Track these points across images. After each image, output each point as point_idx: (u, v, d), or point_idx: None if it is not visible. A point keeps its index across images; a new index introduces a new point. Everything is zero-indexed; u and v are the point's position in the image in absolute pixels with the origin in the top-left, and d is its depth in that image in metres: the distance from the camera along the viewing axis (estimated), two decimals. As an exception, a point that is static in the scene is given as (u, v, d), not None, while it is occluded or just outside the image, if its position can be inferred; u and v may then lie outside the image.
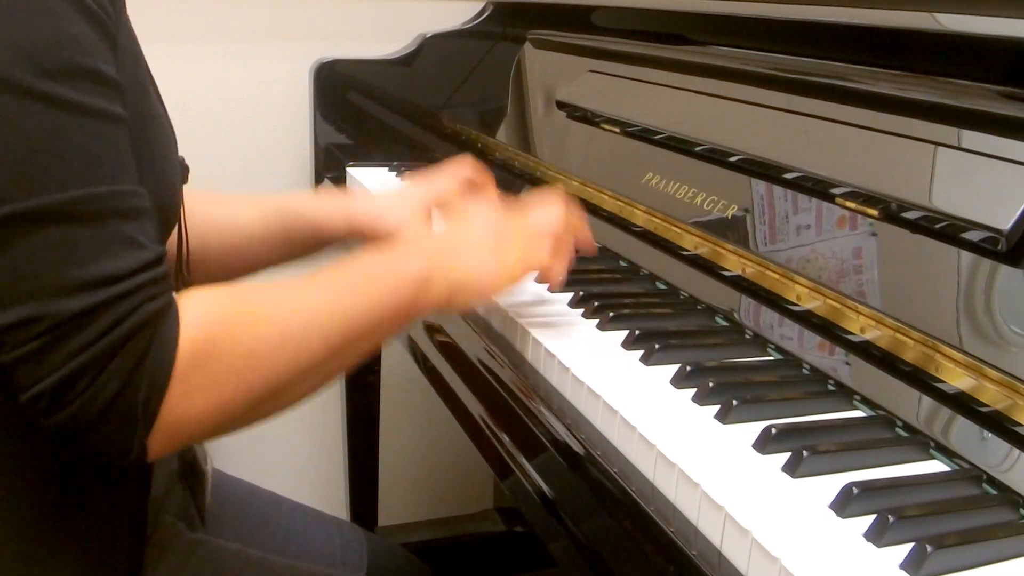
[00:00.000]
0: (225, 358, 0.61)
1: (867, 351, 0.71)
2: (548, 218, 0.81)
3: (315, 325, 0.66)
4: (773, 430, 0.63)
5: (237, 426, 0.65)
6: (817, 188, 0.82)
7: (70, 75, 0.58)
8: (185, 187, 0.80)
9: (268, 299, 0.66)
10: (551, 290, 0.82)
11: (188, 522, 0.89)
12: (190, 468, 0.87)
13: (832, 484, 0.57)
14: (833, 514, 0.55)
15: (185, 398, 0.60)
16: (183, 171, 0.80)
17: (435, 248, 0.77)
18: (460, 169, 1.02)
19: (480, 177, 1.02)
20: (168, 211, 0.73)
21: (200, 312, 0.62)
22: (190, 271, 0.81)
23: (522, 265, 0.78)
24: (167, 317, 0.60)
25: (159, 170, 0.70)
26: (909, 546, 0.51)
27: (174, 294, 0.62)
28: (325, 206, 0.99)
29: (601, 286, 0.92)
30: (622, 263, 0.99)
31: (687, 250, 0.92)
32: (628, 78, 1.16)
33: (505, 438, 0.78)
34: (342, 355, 0.68)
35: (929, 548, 0.50)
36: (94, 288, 0.57)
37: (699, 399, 0.69)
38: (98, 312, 0.57)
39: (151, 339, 0.58)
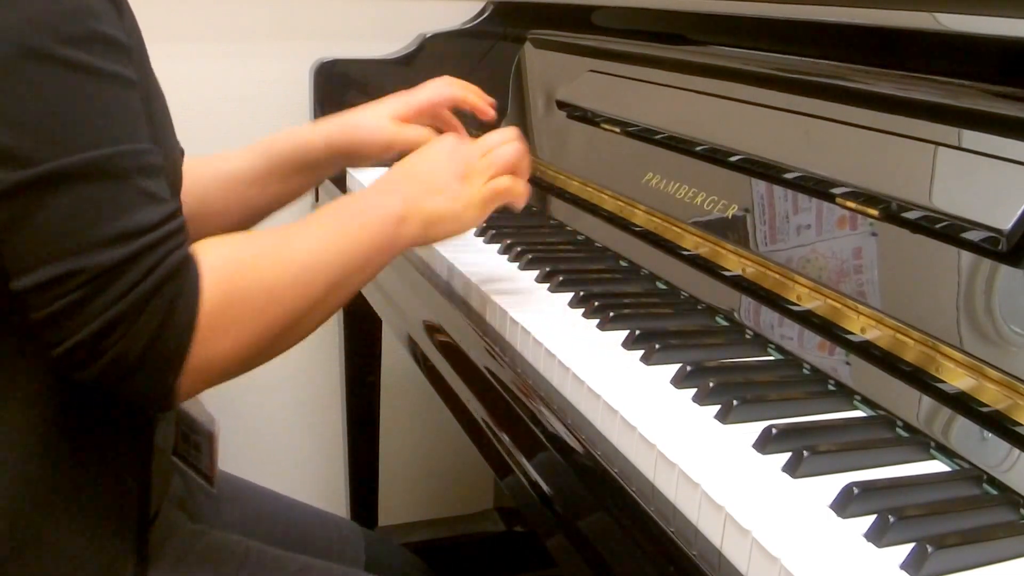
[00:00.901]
0: (246, 299, 0.66)
1: (867, 351, 0.71)
2: (504, 143, 0.86)
3: (318, 263, 0.71)
4: (773, 430, 0.63)
5: (258, 362, 0.70)
6: (817, 188, 0.82)
7: (88, 41, 0.61)
8: (194, 146, 0.85)
9: (275, 242, 0.71)
10: (516, 207, 0.86)
11: (188, 513, 0.89)
12: (190, 432, 0.88)
13: (832, 484, 0.57)
14: (833, 514, 0.55)
15: (212, 339, 0.64)
16: (180, 154, 0.84)
17: (408, 184, 0.81)
18: (440, 86, 1.06)
19: (460, 94, 1.06)
20: (173, 174, 0.77)
21: (217, 258, 0.66)
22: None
23: (490, 191, 0.83)
24: (190, 265, 0.64)
25: (160, 139, 0.73)
26: (910, 546, 0.51)
27: (193, 245, 0.66)
28: (304, 132, 1.03)
29: (601, 286, 0.92)
30: (622, 263, 0.99)
31: (687, 250, 0.92)
32: (628, 78, 1.16)
33: (505, 438, 0.78)
34: (340, 289, 0.73)
35: (930, 548, 0.50)
36: (126, 240, 0.61)
37: (699, 399, 0.69)
38: (131, 263, 0.61)
39: (180, 284, 0.63)
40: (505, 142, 0.86)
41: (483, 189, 0.82)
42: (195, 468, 0.91)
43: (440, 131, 1.03)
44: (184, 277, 0.63)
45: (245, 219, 1.02)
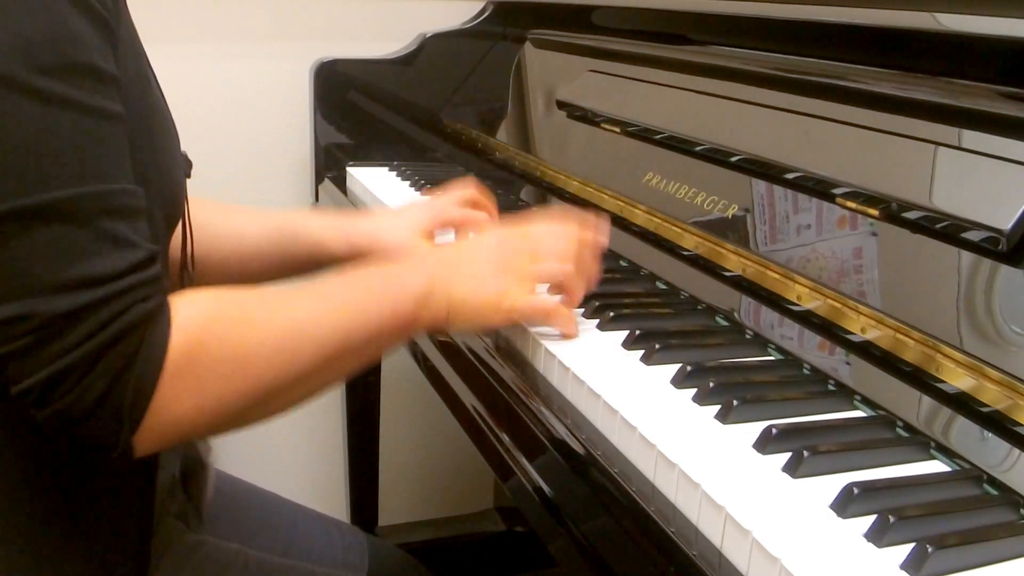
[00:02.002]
0: (214, 363, 0.61)
1: (867, 351, 0.71)
2: (560, 248, 0.78)
3: (309, 333, 0.65)
4: (773, 430, 0.63)
5: (226, 428, 0.65)
6: (817, 188, 0.82)
7: (66, 71, 0.57)
8: (192, 194, 0.80)
9: (263, 304, 0.66)
10: (566, 336, 0.78)
11: (188, 523, 0.89)
12: (190, 462, 0.87)
13: (833, 484, 0.57)
14: (834, 514, 0.55)
15: (173, 400, 0.60)
16: (186, 165, 0.80)
17: (438, 265, 0.76)
18: (463, 190, 1.02)
19: (483, 198, 1.02)
20: (172, 206, 0.73)
21: (192, 314, 0.61)
22: (195, 267, 0.81)
23: (528, 308, 0.76)
24: (158, 319, 0.60)
25: (163, 164, 0.70)
26: (910, 546, 0.51)
27: (168, 295, 0.62)
28: (325, 225, 0.99)
29: (601, 286, 0.92)
30: (622, 263, 0.99)
31: (687, 250, 0.92)
32: (628, 78, 1.16)
33: (505, 438, 0.78)
34: (336, 366, 0.68)
35: (930, 548, 0.50)
36: (83, 288, 0.57)
37: (699, 399, 0.69)
38: (86, 312, 0.57)
39: (140, 341, 0.58)
40: (559, 255, 0.78)
41: (519, 300, 0.75)
42: (193, 501, 0.89)
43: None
44: (148, 332, 0.59)
45: (241, 282, 0.97)
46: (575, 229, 0.80)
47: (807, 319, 0.77)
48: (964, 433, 0.62)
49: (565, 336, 0.78)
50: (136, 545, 0.74)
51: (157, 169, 0.68)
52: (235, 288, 0.66)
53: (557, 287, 0.79)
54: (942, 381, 0.65)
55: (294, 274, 1.00)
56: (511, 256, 0.77)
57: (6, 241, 0.56)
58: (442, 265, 0.76)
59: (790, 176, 0.85)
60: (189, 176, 0.81)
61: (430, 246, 0.92)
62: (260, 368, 0.63)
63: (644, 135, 1.07)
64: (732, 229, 0.87)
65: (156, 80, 0.74)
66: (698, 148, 0.98)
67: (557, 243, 0.79)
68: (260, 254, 0.97)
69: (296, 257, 0.98)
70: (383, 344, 0.72)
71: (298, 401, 0.68)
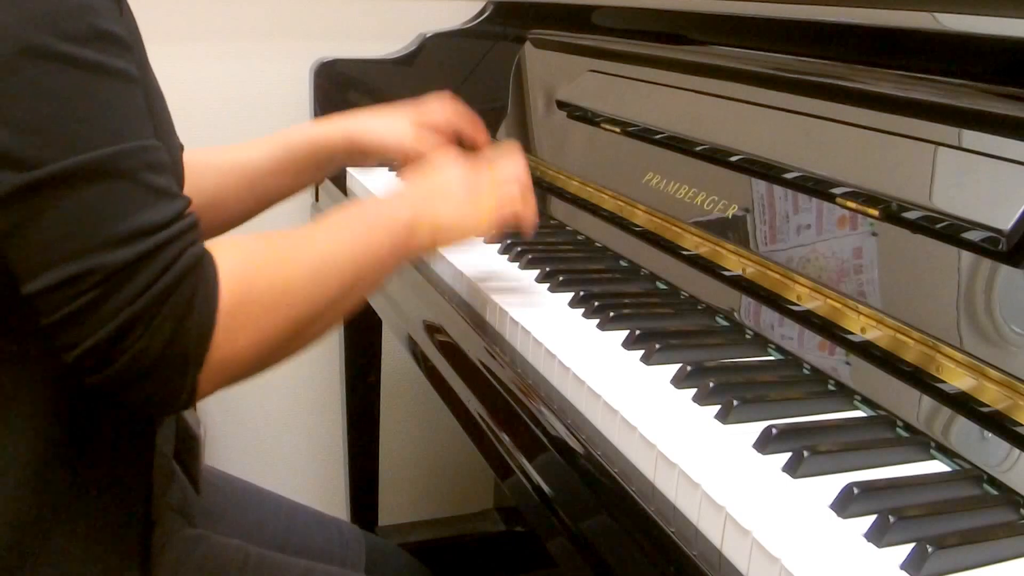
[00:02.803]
0: (262, 297, 0.65)
1: (867, 351, 0.71)
2: (513, 168, 0.89)
3: (331, 265, 0.71)
4: (773, 430, 0.63)
5: (273, 361, 0.69)
6: (817, 188, 0.82)
7: (90, 38, 0.60)
8: (194, 149, 0.86)
9: (291, 243, 0.71)
10: (525, 235, 0.90)
11: (187, 518, 0.89)
12: (182, 435, 0.88)
13: (832, 484, 0.57)
14: (834, 514, 0.55)
15: (230, 336, 0.63)
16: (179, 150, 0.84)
17: (417, 197, 0.83)
18: (448, 105, 1.10)
19: (465, 118, 1.10)
20: (175, 175, 0.75)
21: (235, 255, 0.66)
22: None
23: (496, 211, 0.85)
24: (207, 262, 0.63)
25: (162, 136, 0.72)
26: (910, 546, 0.51)
27: (209, 243, 0.65)
28: (325, 129, 1.06)
29: (601, 286, 0.92)
30: (622, 263, 0.99)
31: (687, 250, 0.92)
32: (628, 78, 1.16)
33: (505, 438, 0.78)
34: (352, 292, 0.74)
35: (930, 548, 0.50)
36: (140, 238, 0.60)
37: (699, 399, 0.69)
38: (145, 261, 0.60)
39: (197, 283, 0.62)
40: (508, 157, 0.89)
41: (490, 211, 0.85)
42: (187, 472, 0.90)
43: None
44: (201, 274, 0.62)
45: (254, 209, 1.04)
46: (522, 159, 0.91)
47: (807, 319, 0.77)
48: (964, 433, 0.62)
49: (525, 232, 0.89)
50: (137, 536, 0.74)
51: (160, 135, 0.71)
52: (263, 233, 0.71)
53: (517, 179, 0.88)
54: (942, 381, 0.65)
55: (305, 181, 1.08)
56: (476, 181, 0.86)
57: (57, 202, 0.58)
58: (421, 196, 0.83)
59: (790, 176, 0.85)
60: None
61: (408, 178, 1.00)
62: (300, 298, 0.68)
63: (644, 135, 1.07)
64: (732, 229, 0.87)
65: (150, 69, 0.76)
66: (698, 148, 0.98)
67: (510, 165, 0.89)
68: (270, 171, 1.03)
69: (303, 165, 1.05)
70: (386, 270, 0.78)
71: (324, 331, 0.73)
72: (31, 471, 0.67)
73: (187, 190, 0.78)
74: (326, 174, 1.11)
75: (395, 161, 1.21)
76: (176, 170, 0.77)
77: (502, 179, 0.87)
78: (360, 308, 0.78)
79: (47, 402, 0.67)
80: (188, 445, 0.89)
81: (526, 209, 0.88)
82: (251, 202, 1.03)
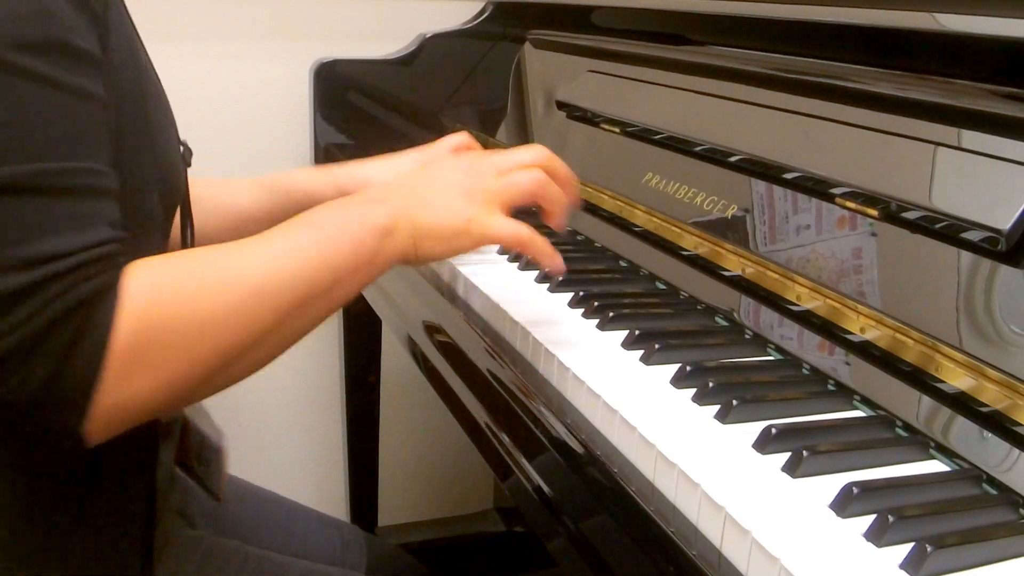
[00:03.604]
0: (165, 336, 0.59)
1: (867, 351, 0.71)
2: (530, 154, 0.75)
3: (265, 290, 0.63)
4: (773, 430, 0.63)
5: (189, 400, 0.64)
6: (817, 188, 0.82)
7: (41, 48, 0.57)
8: (195, 146, 0.80)
9: (213, 265, 0.63)
10: (549, 271, 0.75)
11: (187, 519, 0.89)
12: (200, 447, 0.86)
13: (832, 484, 0.57)
14: (833, 514, 0.55)
15: (124, 380, 0.57)
16: (187, 154, 0.79)
17: (399, 195, 0.72)
18: (456, 137, 1.00)
19: (475, 146, 1.00)
20: (170, 190, 0.73)
21: (141, 285, 0.59)
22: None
23: (494, 231, 0.72)
24: (105, 298, 0.57)
25: (160, 149, 0.70)
26: (909, 546, 0.51)
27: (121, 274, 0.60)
28: (315, 178, 0.99)
29: (601, 286, 0.92)
30: (622, 263, 0.99)
31: (687, 250, 0.92)
32: (628, 78, 1.16)
33: (505, 438, 0.78)
34: (299, 317, 0.65)
35: (929, 548, 0.50)
36: (31, 267, 0.55)
37: (699, 399, 0.69)
38: (31, 291, 0.55)
39: (83, 321, 0.56)
40: (526, 165, 0.74)
41: (488, 222, 0.71)
42: (203, 484, 0.89)
43: None
44: (92, 312, 0.56)
45: None
46: (543, 149, 0.76)
47: (807, 319, 0.77)
48: (964, 433, 0.62)
49: (547, 268, 0.74)
50: (139, 541, 0.74)
51: (152, 153, 0.68)
52: (185, 253, 0.64)
53: (530, 203, 0.75)
54: (941, 381, 0.65)
55: None
56: (476, 176, 0.73)
57: None
58: (403, 195, 0.72)
59: (790, 176, 0.85)
60: (189, 165, 0.80)
61: (392, 178, 0.88)
62: (218, 333, 0.61)
63: (644, 135, 1.07)
64: (732, 229, 0.87)
65: (152, 67, 0.73)
66: (698, 148, 0.98)
67: (522, 154, 0.75)
68: (255, 217, 0.96)
69: (288, 212, 0.94)
70: (349, 286, 0.68)
71: (267, 358, 0.65)
72: (31, 480, 0.67)
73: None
74: None
75: None
76: (173, 176, 0.73)
77: (508, 188, 0.73)
78: (355, 303, 0.71)
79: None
80: (207, 457, 0.87)
81: (533, 241, 0.73)
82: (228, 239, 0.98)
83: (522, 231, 0.72)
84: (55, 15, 0.58)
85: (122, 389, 0.57)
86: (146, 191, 0.68)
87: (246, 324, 0.62)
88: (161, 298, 0.59)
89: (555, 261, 0.75)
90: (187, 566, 0.82)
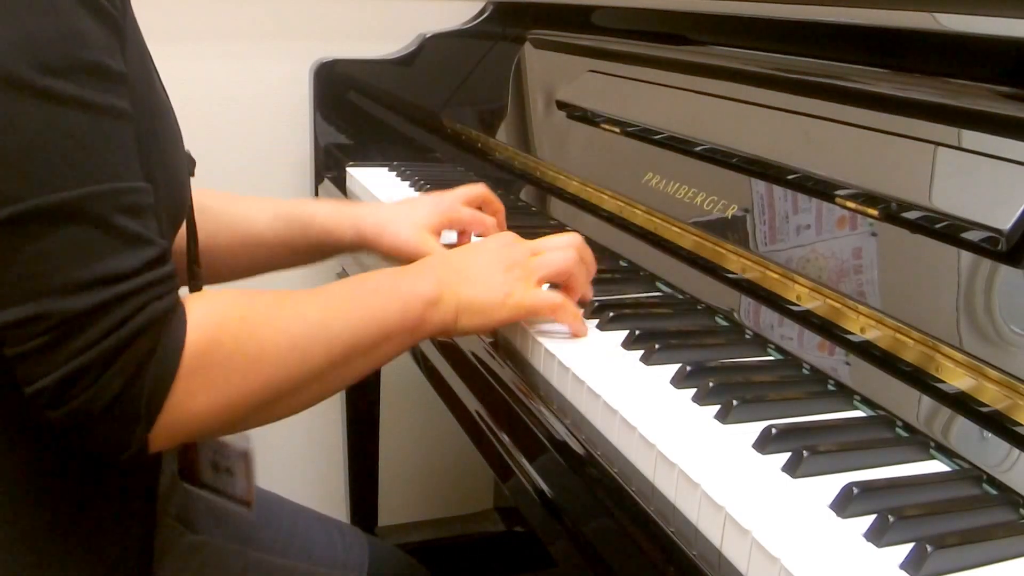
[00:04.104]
0: (229, 360, 0.62)
1: (867, 351, 0.71)
2: (559, 248, 0.80)
3: (320, 334, 0.67)
4: (773, 430, 0.63)
5: (239, 427, 0.66)
6: (817, 188, 0.82)
7: (73, 70, 0.57)
8: (199, 185, 0.81)
9: (276, 305, 0.67)
10: (575, 333, 0.79)
11: (186, 524, 0.89)
12: (215, 458, 0.87)
13: (832, 484, 0.57)
14: (833, 514, 0.55)
15: (188, 397, 0.60)
16: (190, 164, 0.80)
17: (445, 270, 0.77)
18: (472, 189, 1.02)
19: (492, 197, 1.03)
20: (177, 205, 0.74)
21: (207, 313, 0.62)
22: (200, 265, 0.82)
23: (531, 301, 0.77)
24: (174, 317, 0.60)
25: (169, 164, 0.70)
26: (909, 546, 0.51)
27: (181, 295, 0.62)
28: (335, 214, 0.99)
29: (601, 286, 0.92)
30: (622, 263, 0.99)
31: (687, 250, 0.92)
32: (628, 78, 1.16)
33: (505, 438, 0.78)
34: (345, 366, 0.69)
35: (929, 548, 0.50)
36: (99, 287, 0.57)
37: (699, 399, 0.69)
38: (103, 311, 0.57)
39: (156, 339, 0.59)
40: (561, 248, 0.81)
41: (525, 295, 0.77)
42: (227, 495, 0.89)
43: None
44: (162, 332, 0.59)
45: (248, 270, 1.00)
46: (576, 238, 0.82)
47: (807, 319, 0.77)
48: (964, 433, 0.62)
49: (574, 334, 0.79)
50: (139, 547, 0.74)
51: (163, 168, 0.69)
52: (248, 291, 0.67)
53: (561, 280, 0.80)
54: (942, 381, 0.65)
55: (301, 262, 1.02)
56: (513, 254, 0.79)
57: (21, 243, 0.56)
58: (449, 270, 0.77)
59: (790, 176, 0.85)
60: (193, 175, 0.81)
61: (437, 251, 0.93)
62: (273, 367, 0.64)
63: (644, 135, 1.07)
64: (732, 229, 0.87)
65: (159, 79, 0.74)
66: (698, 148, 0.98)
67: (557, 239, 0.82)
68: (268, 243, 0.98)
69: (303, 247, 0.99)
70: (392, 346, 0.72)
71: (308, 402, 0.69)
72: (32, 483, 0.67)
73: (182, 231, 0.75)
74: (324, 258, 1.03)
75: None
76: (180, 194, 0.74)
77: (543, 266, 0.79)
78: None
79: (46, 427, 0.66)
80: (228, 465, 0.87)
81: (565, 308, 0.78)
82: (244, 264, 0.99)
83: (556, 299, 0.78)
84: (85, 36, 0.58)
85: (186, 406, 0.60)
86: (157, 208, 0.68)
87: (298, 362, 0.66)
88: (227, 326, 0.63)
89: (583, 329, 0.79)
90: (188, 571, 0.82)
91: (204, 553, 0.84)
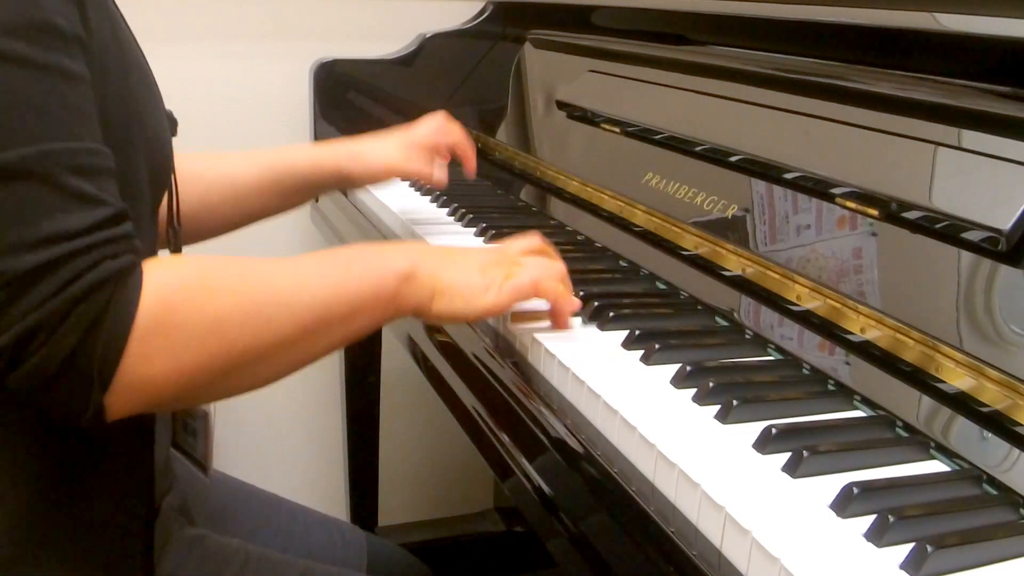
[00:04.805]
0: (187, 324, 0.61)
1: (867, 351, 0.71)
2: (528, 241, 0.83)
3: (286, 301, 0.66)
4: (773, 430, 0.63)
5: (200, 396, 0.67)
6: (817, 188, 0.82)
7: (25, 30, 0.58)
8: (182, 149, 0.82)
9: (241, 271, 0.66)
10: (557, 325, 0.81)
11: (187, 518, 0.89)
12: (185, 418, 0.87)
13: (832, 484, 0.57)
14: (833, 514, 0.55)
15: (143, 360, 0.59)
16: (172, 124, 0.81)
17: (424, 251, 0.77)
18: (441, 123, 1.12)
19: (455, 126, 1.12)
20: (159, 163, 0.75)
21: (166, 276, 0.62)
22: (181, 223, 0.83)
23: (511, 286, 0.77)
24: (129, 278, 0.60)
25: (146, 123, 0.71)
26: (909, 546, 0.51)
27: (142, 258, 0.62)
28: (317, 155, 1.06)
29: (601, 286, 0.92)
30: (622, 263, 0.99)
31: (687, 250, 0.92)
32: (628, 78, 1.16)
33: (505, 438, 0.78)
34: (314, 337, 0.68)
35: (929, 548, 0.50)
36: (49, 244, 0.57)
37: (699, 399, 0.69)
38: (54, 268, 0.57)
39: (110, 298, 0.58)
40: (545, 253, 0.83)
41: (505, 283, 0.77)
42: (191, 456, 0.90)
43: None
44: (117, 291, 0.59)
45: (237, 222, 1.04)
46: (540, 239, 0.85)
47: (807, 319, 0.77)
48: (964, 433, 0.62)
49: (557, 312, 0.80)
50: (139, 532, 0.74)
51: (140, 127, 0.69)
52: (217, 257, 0.67)
53: (537, 289, 0.80)
54: (942, 381, 0.65)
55: (289, 205, 1.07)
56: (497, 258, 0.79)
57: None
58: (427, 252, 0.77)
59: (790, 176, 0.85)
60: (175, 135, 0.82)
61: (411, 169, 1.02)
62: (235, 333, 0.63)
63: (644, 135, 1.07)
64: (732, 229, 0.87)
65: (135, 41, 0.74)
66: (698, 148, 0.98)
67: (525, 240, 0.84)
68: (255, 193, 1.02)
69: (289, 189, 1.04)
70: (365, 320, 0.71)
71: (276, 372, 0.68)
72: (27, 467, 0.67)
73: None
74: (312, 198, 1.11)
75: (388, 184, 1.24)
76: (159, 152, 0.75)
77: (526, 265, 0.79)
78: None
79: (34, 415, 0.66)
80: (193, 427, 0.88)
81: (550, 286, 0.78)
82: (235, 217, 1.02)
83: (536, 276, 0.78)
84: None
85: (142, 369, 0.59)
86: (136, 168, 0.70)
87: (261, 329, 0.64)
88: (187, 288, 0.62)
89: (571, 302, 0.80)
90: (187, 565, 0.82)
91: (205, 545, 0.84)
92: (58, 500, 0.68)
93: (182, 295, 0.62)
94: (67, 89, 0.60)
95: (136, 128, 0.68)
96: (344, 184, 1.09)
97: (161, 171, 0.75)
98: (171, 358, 0.61)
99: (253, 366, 0.65)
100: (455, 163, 1.16)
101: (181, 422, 0.88)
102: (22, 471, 0.67)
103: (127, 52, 0.70)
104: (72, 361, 0.58)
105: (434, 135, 1.10)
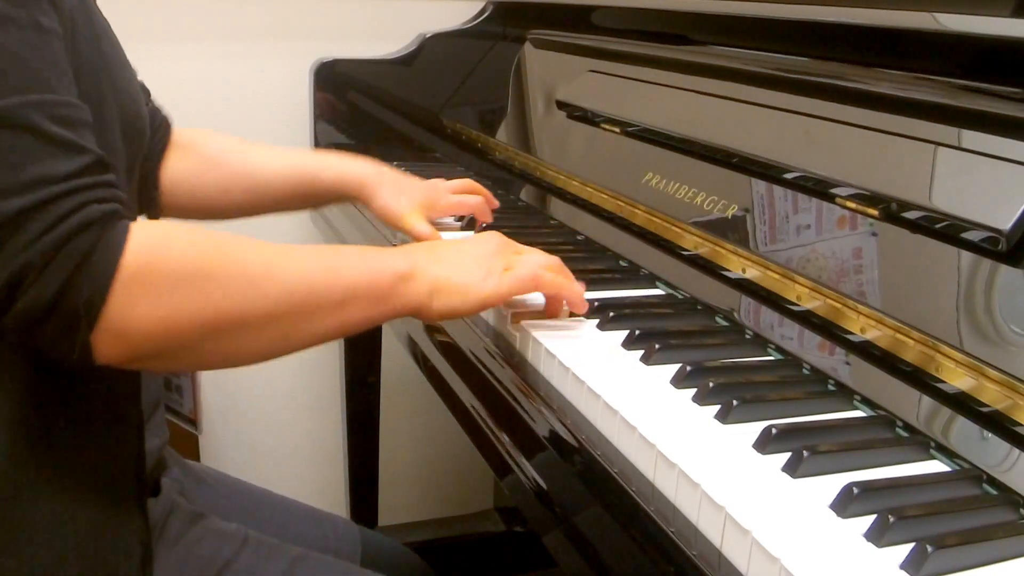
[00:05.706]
0: (173, 273, 0.63)
1: (867, 351, 0.71)
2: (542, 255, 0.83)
3: (279, 275, 0.67)
4: (773, 430, 0.63)
5: (183, 356, 0.66)
6: (817, 188, 0.82)
7: None
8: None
9: (235, 240, 0.67)
10: (578, 311, 0.82)
11: (187, 498, 0.89)
12: (173, 375, 0.88)
13: (832, 484, 0.57)
14: (833, 514, 0.55)
15: (127, 303, 0.61)
16: (144, 94, 0.83)
17: (422, 252, 0.78)
18: (461, 182, 1.11)
19: (480, 188, 1.10)
20: (132, 121, 0.76)
21: (153, 227, 0.63)
22: (158, 175, 0.84)
23: (509, 278, 0.78)
24: (115, 223, 0.61)
25: (119, 85, 0.73)
26: (909, 546, 0.51)
27: (126, 207, 0.64)
28: (342, 170, 1.05)
29: (601, 286, 0.92)
30: (622, 263, 0.99)
31: (687, 250, 0.92)
32: (628, 78, 1.16)
33: (505, 438, 0.78)
34: (302, 318, 0.69)
35: (929, 548, 0.50)
36: (34, 188, 0.59)
37: (699, 399, 0.69)
38: (38, 210, 0.59)
39: (96, 239, 0.60)
40: (542, 255, 0.83)
41: (503, 277, 0.77)
42: (178, 414, 0.90)
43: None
44: (103, 234, 0.60)
45: (250, 211, 1.05)
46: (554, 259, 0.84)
47: (807, 319, 0.77)
48: (964, 433, 0.62)
49: (550, 314, 0.81)
50: (131, 479, 0.74)
51: (112, 86, 0.71)
52: (212, 231, 0.68)
53: (537, 282, 0.81)
54: (942, 381, 0.65)
55: (302, 208, 1.11)
56: (495, 248, 0.80)
57: None
58: (425, 252, 0.78)
59: (790, 176, 0.85)
60: (149, 104, 0.84)
61: (415, 230, 1.01)
62: (219, 292, 0.64)
63: (644, 135, 1.07)
64: (732, 229, 0.87)
65: (97, 6, 0.76)
66: (698, 148, 0.98)
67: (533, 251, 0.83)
68: (277, 193, 1.03)
69: (309, 196, 1.06)
70: (359, 311, 0.72)
71: (265, 347, 0.68)
72: (16, 427, 0.68)
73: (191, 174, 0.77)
74: (325, 206, 1.14)
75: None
76: (131, 110, 0.76)
77: (524, 260, 0.80)
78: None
79: (27, 357, 0.67)
80: (177, 386, 0.89)
81: (545, 277, 0.79)
82: (247, 206, 1.04)
83: (535, 269, 0.79)
84: None
85: (125, 311, 0.61)
86: (109, 126, 0.71)
87: (253, 296, 0.66)
88: (173, 238, 0.64)
89: (577, 289, 0.81)
90: (188, 537, 0.82)
91: (204, 523, 0.84)
92: (50, 442, 0.69)
93: (168, 244, 0.63)
94: (44, 43, 0.62)
95: (108, 86, 0.70)
96: (355, 202, 1.10)
97: (133, 127, 0.77)
98: (155, 304, 0.62)
99: (237, 332, 0.66)
100: (455, 163, 1.16)
101: (166, 380, 0.88)
102: (18, 410, 0.68)
103: (96, 17, 0.73)
104: (59, 300, 0.59)
105: (455, 208, 1.09)
